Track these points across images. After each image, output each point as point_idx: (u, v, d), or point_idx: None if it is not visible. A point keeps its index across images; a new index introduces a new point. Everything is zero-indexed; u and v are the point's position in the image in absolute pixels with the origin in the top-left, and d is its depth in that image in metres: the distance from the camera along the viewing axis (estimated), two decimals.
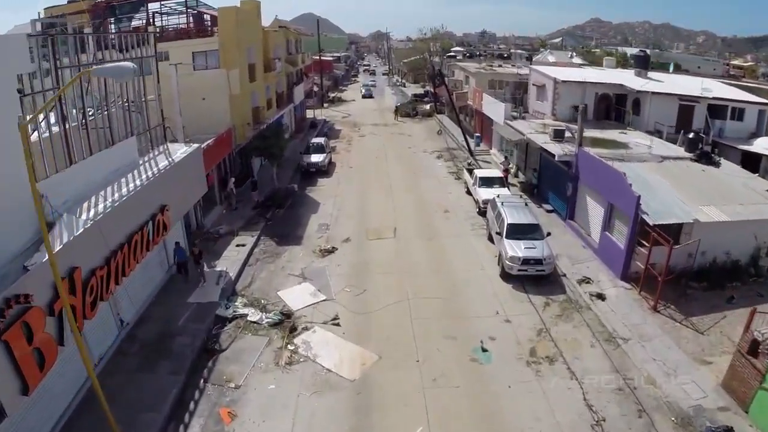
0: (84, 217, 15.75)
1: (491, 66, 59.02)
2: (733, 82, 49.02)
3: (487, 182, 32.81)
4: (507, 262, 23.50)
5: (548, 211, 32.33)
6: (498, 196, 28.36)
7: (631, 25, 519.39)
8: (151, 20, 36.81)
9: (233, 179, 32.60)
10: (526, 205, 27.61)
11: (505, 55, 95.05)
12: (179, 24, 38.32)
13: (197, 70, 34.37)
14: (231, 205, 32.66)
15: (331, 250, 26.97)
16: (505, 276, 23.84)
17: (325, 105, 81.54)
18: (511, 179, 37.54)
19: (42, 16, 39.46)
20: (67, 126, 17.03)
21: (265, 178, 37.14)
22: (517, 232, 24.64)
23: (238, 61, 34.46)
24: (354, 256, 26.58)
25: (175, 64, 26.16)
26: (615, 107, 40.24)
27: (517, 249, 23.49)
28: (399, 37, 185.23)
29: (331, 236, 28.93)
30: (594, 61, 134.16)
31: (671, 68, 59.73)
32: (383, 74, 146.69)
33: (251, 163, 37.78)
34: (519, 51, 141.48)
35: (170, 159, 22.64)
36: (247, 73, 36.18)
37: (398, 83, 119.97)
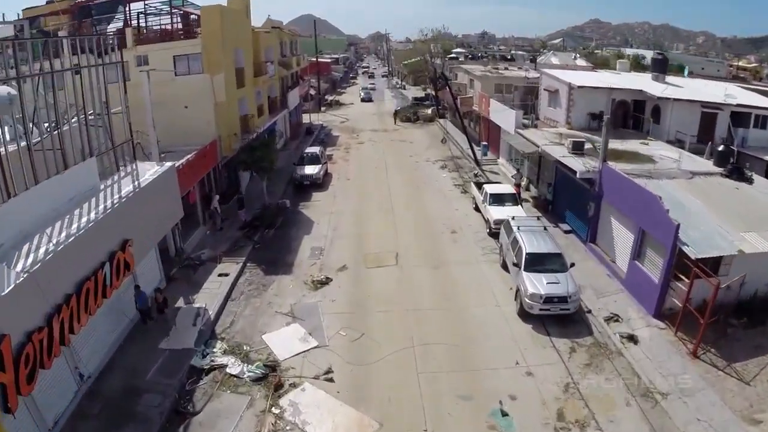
0: (20, 266, 12.75)
1: (497, 69, 55.94)
2: (746, 85, 46.24)
3: (498, 199, 29.78)
4: (527, 300, 20.47)
5: (566, 232, 29.33)
6: (513, 218, 25.33)
7: (630, 26, 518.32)
8: (130, 21, 33.69)
9: (217, 197, 29.51)
10: (544, 229, 24.54)
11: (509, 57, 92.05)
12: (163, 25, 35.11)
13: (179, 76, 31.28)
14: (216, 225, 29.62)
15: (325, 281, 23.84)
16: (524, 314, 20.79)
17: (323, 109, 78.49)
18: (522, 194, 34.54)
19: (21, 17, 36.60)
20: (2, 151, 14.01)
21: (254, 193, 34.13)
22: (538, 262, 21.66)
23: (224, 65, 31.39)
24: (351, 288, 23.48)
25: (147, 70, 22.99)
26: (633, 114, 37.28)
27: (538, 285, 20.45)
28: (398, 38, 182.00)
29: (325, 263, 25.83)
30: (597, 63, 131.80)
31: (686, 72, 56.51)
32: (382, 76, 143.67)
33: (240, 177, 34.70)
34: (520, 52, 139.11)
35: (137, 182, 19.54)
36: (234, 78, 33.12)
37: (398, 86, 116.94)
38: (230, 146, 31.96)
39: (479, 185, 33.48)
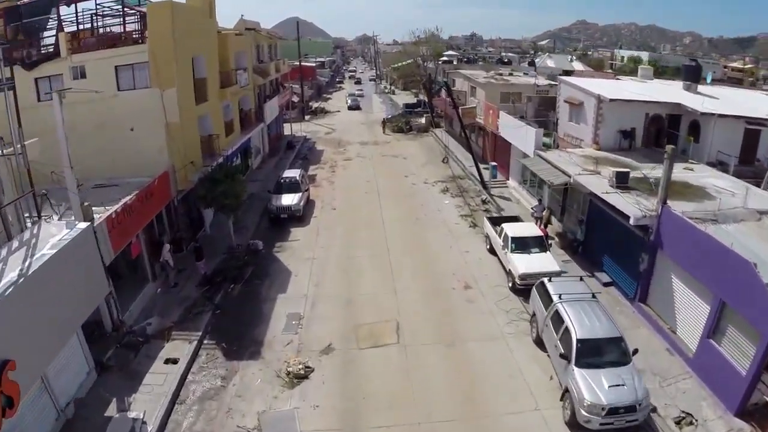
0: None
1: (500, 74, 49.99)
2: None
3: (522, 245, 23.85)
4: (583, 413, 14.59)
5: (605, 284, 23.50)
6: (549, 281, 19.47)
7: (617, 27, 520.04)
8: (63, 25, 27.27)
9: (168, 246, 23.23)
10: (593, 297, 18.60)
11: (505, 61, 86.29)
12: (107, 27, 28.63)
13: (124, 91, 25.04)
14: (169, 281, 23.38)
15: (304, 374, 17.65)
16: (575, 424, 15.00)
17: (307, 117, 72.30)
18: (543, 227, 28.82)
19: None
20: None
21: (221, 232, 28.00)
22: (594, 353, 15.83)
23: (179, 76, 25.16)
24: (339, 384, 17.30)
25: (59, 90, 16.71)
26: (667, 131, 31.68)
27: (597, 390, 14.69)
28: (386, 40, 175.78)
29: (305, 340, 19.68)
30: (592, 65, 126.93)
31: (709, 78, 50.99)
32: (370, 80, 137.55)
33: (203, 213, 28.46)
34: (511, 54, 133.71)
35: (30, 260, 13.33)
36: (192, 91, 26.89)
37: (387, 90, 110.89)
38: (187, 177, 25.69)
39: (494, 221, 27.58)
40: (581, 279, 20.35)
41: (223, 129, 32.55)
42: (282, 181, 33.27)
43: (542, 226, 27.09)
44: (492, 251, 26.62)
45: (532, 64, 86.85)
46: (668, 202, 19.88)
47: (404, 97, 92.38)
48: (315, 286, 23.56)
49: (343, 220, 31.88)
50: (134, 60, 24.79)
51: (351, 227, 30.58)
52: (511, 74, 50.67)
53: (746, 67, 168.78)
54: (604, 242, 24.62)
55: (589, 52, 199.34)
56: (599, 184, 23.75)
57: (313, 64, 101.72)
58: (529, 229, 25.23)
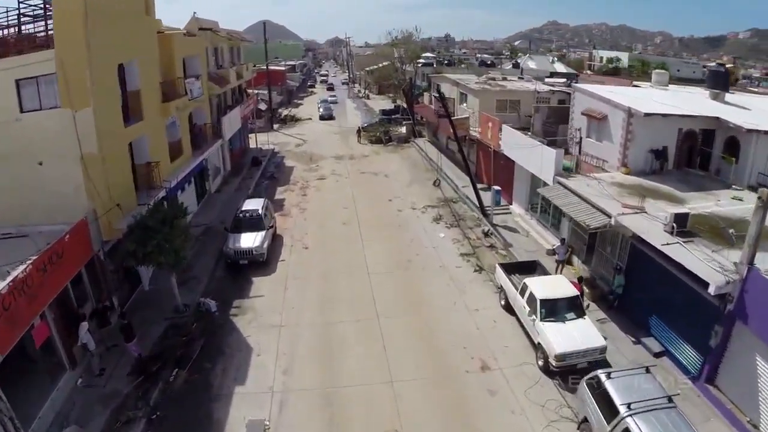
0: None
1: (493, 79, 44.53)
2: None
3: (553, 310, 18.36)
4: None
5: (655, 354, 18.26)
6: (608, 378, 13.97)
7: (588, 27, 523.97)
8: None
9: (85, 324, 17.10)
10: (669, 401, 13.19)
11: (488, 63, 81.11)
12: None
13: (28, 113, 18.86)
14: (92, 369, 17.27)
15: None
16: None
17: (276, 127, 66.11)
18: (562, 269, 23.45)
19: None
20: None
21: (162, 290, 21.89)
22: None
23: (98, 91, 18.99)
24: None
25: None
26: (700, 150, 26.74)
27: None
28: (357, 43, 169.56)
29: None
30: (572, 65, 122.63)
31: None
32: (343, 83, 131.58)
33: (139, 271, 22.27)
34: (485, 55, 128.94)
35: None
36: (119, 110, 20.70)
37: (361, 95, 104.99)
38: (112, 226, 19.52)
39: (509, 268, 22.06)
40: (648, 370, 14.76)
41: (166, 153, 26.42)
42: (241, 215, 27.15)
43: (578, 284, 21.44)
44: (508, 308, 21.02)
45: (516, 66, 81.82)
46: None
47: (380, 102, 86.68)
48: (284, 374, 17.53)
49: (317, 264, 25.87)
50: (40, 71, 18.60)
51: (328, 276, 24.61)
52: (505, 79, 45.19)
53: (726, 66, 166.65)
54: (652, 299, 19.32)
55: (564, 52, 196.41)
56: (652, 230, 18.28)
57: (283, 68, 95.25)
58: (560, 286, 19.54)
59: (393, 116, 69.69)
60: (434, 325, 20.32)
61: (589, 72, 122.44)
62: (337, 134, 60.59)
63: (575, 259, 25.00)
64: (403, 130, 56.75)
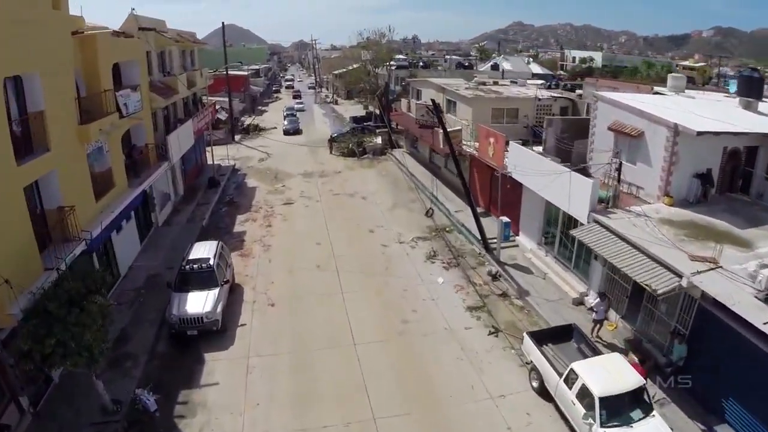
0: None
1: (484, 84, 39.38)
2: None
3: (616, 409, 13.33)
4: None
5: None
6: None
7: (553, 28, 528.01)
8: None
9: None
10: None
11: (466, 65, 76.24)
12: None
13: None
14: None
15: None
16: None
17: (238, 138, 59.91)
18: (597, 328, 18.39)
19: None
20: None
21: (85, 381, 16.01)
22: None
23: None
24: None
25: None
26: (743, 170, 22.16)
27: None
28: (323, 45, 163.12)
29: None
30: (546, 66, 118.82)
31: (733, 88, 41.75)
32: (309, 87, 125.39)
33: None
34: (455, 57, 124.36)
35: None
36: (6, 141, 14.73)
37: (329, 100, 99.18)
38: (2, 309, 13.59)
39: (540, 337, 16.87)
40: None
41: (90, 190, 20.47)
42: (187, 268, 21.14)
43: (640, 366, 16.24)
44: (543, 391, 15.74)
45: (496, 67, 77.15)
46: None
47: (349, 108, 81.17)
48: None
49: (287, 331, 20.05)
50: None
51: (302, 350, 18.84)
52: (497, 83, 40.06)
53: (698, 65, 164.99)
54: (729, 376, 14.35)
55: (536, 52, 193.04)
56: (738, 296, 13.24)
57: (246, 73, 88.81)
58: (620, 374, 14.26)
59: (365, 124, 64.26)
60: (451, 427, 14.83)
61: (562, 72, 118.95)
62: (304, 146, 54.74)
63: (612, 313, 19.85)
64: (378, 140, 51.23)
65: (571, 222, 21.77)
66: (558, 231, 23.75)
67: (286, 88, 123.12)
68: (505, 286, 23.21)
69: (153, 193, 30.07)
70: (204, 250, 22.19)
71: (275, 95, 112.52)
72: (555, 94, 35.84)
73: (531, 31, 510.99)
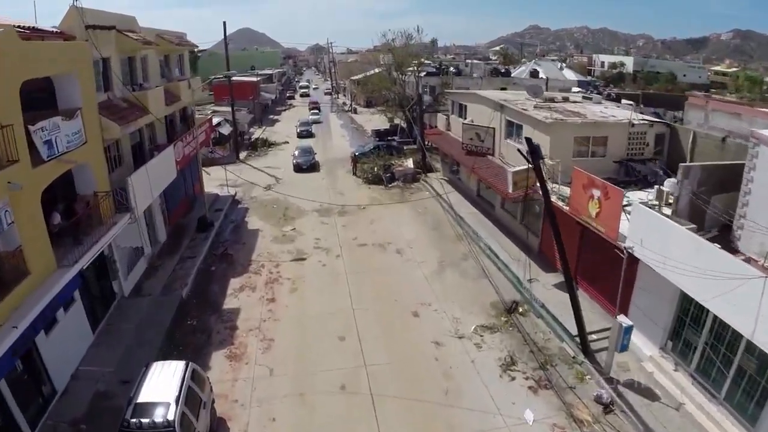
0: None
1: (552, 100, 30.53)
2: None
3: None
4: None
5: None
6: None
7: (569, 31, 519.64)
8: None
9: None
10: None
11: (502, 71, 67.28)
12: None
13: None
14: None
15: None
16: None
17: (243, 155, 51.57)
18: None
19: None
20: None
21: None
22: None
23: None
24: None
25: None
26: None
27: None
28: (340, 49, 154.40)
29: None
30: (578, 70, 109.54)
31: None
32: (325, 93, 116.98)
33: None
34: (476, 61, 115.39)
35: None
36: None
37: (346, 108, 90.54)
38: None
39: None
40: None
41: None
42: (133, 425, 12.51)
43: None
44: None
45: (535, 74, 68.09)
46: None
47: (371, 118, 72.41)
48: None
49: None
50: None
51: None
52: (566, 100, 31.16)
53: (730, 70, 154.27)
54: None
55: (564, 56, 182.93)
56: None
57: (256, 79, 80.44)
58: None
59: (390, 139, 55.79)
60: None
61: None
62: (322, 166, 46.15)
63: None
64: (409, 163, 42.40)
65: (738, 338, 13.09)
66: (703, 337, 15.01)
67: (301, 96, 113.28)
68: (621, 420, 14.51)
69: (114, 255, 21.66)
70: (162, 387, 13.50)
71: (289, 103, 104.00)
72: (647, 118, 26.97)
73: (547, 35, 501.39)
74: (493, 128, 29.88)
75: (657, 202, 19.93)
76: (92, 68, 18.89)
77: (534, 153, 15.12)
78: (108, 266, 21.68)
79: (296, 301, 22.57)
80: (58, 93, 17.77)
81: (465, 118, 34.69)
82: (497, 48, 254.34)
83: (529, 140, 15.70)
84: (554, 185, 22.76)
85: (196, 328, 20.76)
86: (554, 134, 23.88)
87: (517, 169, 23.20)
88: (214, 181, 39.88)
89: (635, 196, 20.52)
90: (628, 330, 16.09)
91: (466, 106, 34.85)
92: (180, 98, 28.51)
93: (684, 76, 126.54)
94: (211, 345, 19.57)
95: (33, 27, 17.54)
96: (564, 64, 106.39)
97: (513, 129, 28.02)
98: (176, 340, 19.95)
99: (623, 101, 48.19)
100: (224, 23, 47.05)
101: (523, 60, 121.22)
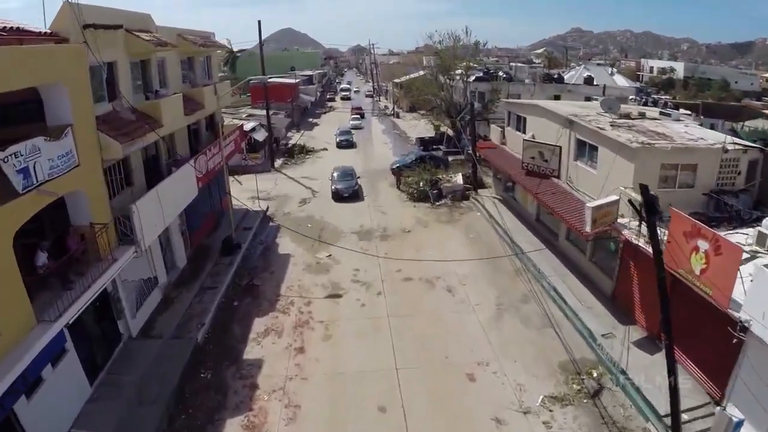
0: None
1: (627, 116, 26.28)
2: None
3: None
4: None
5: None
6: None
7: (612, 34, 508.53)
8: None
9: None
10: None
11: (555, 77, 62.69)
12: None
13: None
14: None
15: None
16: None
17: (278, 163, 48.55)
18: None
19: None
20: None
21: None
22: None
23: None
24: None
25: None
26: None
27: None
28: (381, 50, 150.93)
29: None
30: (627, 75, 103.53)
31: None
32: (366, 95, 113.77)
33: None
34: (520, 64, 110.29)
35: None
36: None
37: (388, 111, 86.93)
38: None
39: None
40: None
41: None
42: None
43: None
44: None
45: (590, 81, 63.34)
46: None
47: (413, 124, 68.56)
48: None
49: None
50: None
51: None
52: (643, 116, 26.84)
53: None
54: None
55: (616, 60, 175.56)
56: None
57: (295, 81, 77.54)
58: None
59: (435, 148, 52.20)
60: None
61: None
62: (361, 179, 42.73)
63: None
64: (459, 178, 38.49)
65: None
66: None
67: (342, 99, 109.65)
68: None
69: (119, 291, 18.55)
70: None
71: (329, 104, 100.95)
72: (741, 142, 22.53)
73: (590, 38, 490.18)
74: (560, 147, 25.86)
75: (758, 248, 15.83)
76: (87, 76, 15.64)
77: (650, 206, 11.16)
78: (111, 305, 18.59)
79: (329, 353, 19.00)
80: (46, 107, 14.60)
81: (524, 132, 30.72)
82: (539, 51, 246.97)
83: (644, 189, 11.70)
84: (635, 222, 18.72)
85: (210, 384, 17.45)
86: (640, 161, 19.77)
87: (598, 203, 19.20)
88: (246, 192, 36.83)
89: (733, 239, 16.38)
90: (739, 425, 12.13)
91: (525, 118, 30.86)
92: (203, 106, 25.25)
93: (735, 82, 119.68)
94: (225, 409, 16.22)
95: (14, 27, 14.33)
96: (614, 69, 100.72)
97: (585, 150, 23.95)
98: (186, 398, 16.66)
99: (681, 111, 43.61)
100: (259, 22, 44.10)
101: (572, 65, 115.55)
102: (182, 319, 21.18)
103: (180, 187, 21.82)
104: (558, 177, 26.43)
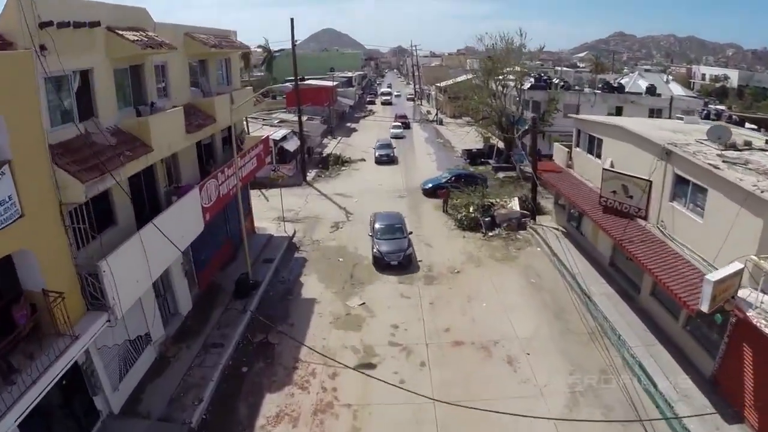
0: None
1: (735, 147, 20.93)
2: None
3: None
4: None
5: None
6: None
7: (655, 39, 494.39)
8: None
9: None
10: None
11: (615, 85, 56.89)
12: None
13: None
14: None
15: None
16: None
17: (311, 175, 44.37)
18: None
19: None
20: None
21: None
22: None
23: None
24: None
25: None
26: None
27: None
28: (423, 52, 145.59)
29: None
30: (681, 82, 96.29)
31: None
32: (408, 99, 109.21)
33: None
34: (566, 68, 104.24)
35: None
36: None
37: (430, 117, 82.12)
38: None
39: None
40: None
41: None
42: None
43: None
44: None
45: (652, 91, 57.28)
46: None
47: (458, 133, 63.74)
48: None
49: None
50: None
51: None
52: (750, 145, 21.46)
53: None
54: None
55: (667, 66, 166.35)
56: None
57: (332, 83, 73.37)
58: None
59: (483, 161, 47.62)
60: None
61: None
62: (402, 198, 38.10)
63: None
64: (515, 203, 33.54)
65: None
66: None
67: (383, 104, 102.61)
68: None
69: (93, 363, 14.37)
70: None
71: (368, 107, 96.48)
72: None
73: (633, 42, 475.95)
74: (650, 182, 20.77)
75: None
76: (37, 93, 11.36)
77: None
78: (85, 379, 14.44)
79: None
80: None
81: (598, 157, 25.71)
82: (582, 54, 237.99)
83: None
84: (759, 294, 13.84)
85: None
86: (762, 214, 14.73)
87: (721, 275, 14.17)
88: (271, 211, 32.79)
89: None
90: None
91: (601, 140, 25.77)
92: (215, 119, 20.95)
93: None
94: None
95: None
96: (670, 77, 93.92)
97: (687, 190, 18.86)
98: None
99: (747, 125, 38.46)
100: (291, 21, 40.16)
101: (625, 71, 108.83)
102: (177, 390, 16.96)
103: (179, 224, 17.53)
104: (644, 218, 21.39)
